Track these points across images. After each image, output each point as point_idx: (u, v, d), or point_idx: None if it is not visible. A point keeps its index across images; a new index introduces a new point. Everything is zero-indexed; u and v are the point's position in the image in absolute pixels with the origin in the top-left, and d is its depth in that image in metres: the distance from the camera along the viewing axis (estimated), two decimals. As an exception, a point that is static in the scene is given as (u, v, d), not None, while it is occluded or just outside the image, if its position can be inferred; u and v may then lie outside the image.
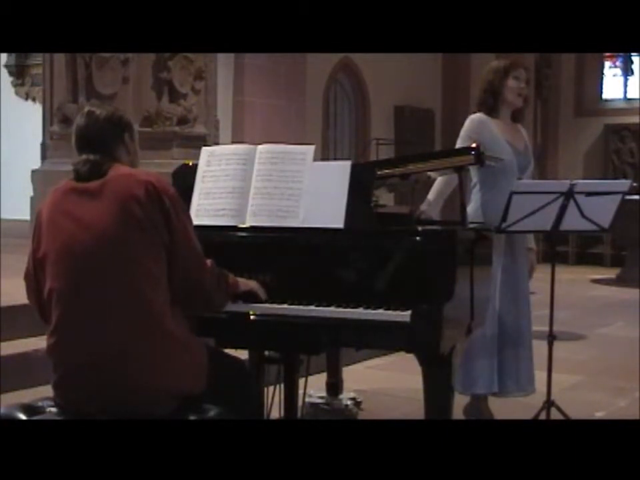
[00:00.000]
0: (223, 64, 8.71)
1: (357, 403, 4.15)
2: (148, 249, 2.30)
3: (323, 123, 11.50)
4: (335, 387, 4.04)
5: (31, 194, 7.59)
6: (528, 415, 3.65)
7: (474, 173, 3.85)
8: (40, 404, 2.40)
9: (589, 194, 3.44)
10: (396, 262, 2.60)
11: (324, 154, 11.01)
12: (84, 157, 2.38)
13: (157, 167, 5.55)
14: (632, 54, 13.28)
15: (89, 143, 2.40)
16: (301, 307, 2.59)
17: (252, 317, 2.60)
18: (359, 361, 5.17)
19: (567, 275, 9.04)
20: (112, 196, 2.30)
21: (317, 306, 2.58)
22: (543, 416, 3.60)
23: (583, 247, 12.40)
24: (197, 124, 7.33)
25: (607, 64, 13.68)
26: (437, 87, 13.41)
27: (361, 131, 12.27)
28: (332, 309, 2.56)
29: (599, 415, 4.29)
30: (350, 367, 4.81)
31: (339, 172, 2.75)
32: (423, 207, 3.73)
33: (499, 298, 3.80)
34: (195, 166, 2.92)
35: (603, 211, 3.52)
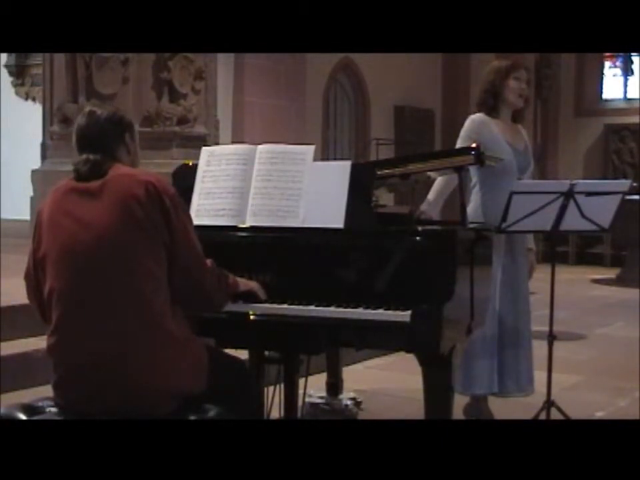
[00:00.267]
0: (223, 64, 8.71)
1: (357, 403, 4.15)
2: (148, 249, 2.29)
3: (322, 123, 11.49)
4: (334, 386, 4.04)
5: (31, 194, 7.58)
6: (528, 415, 3.64)
7: (474, 173, 3.85)
8: (40, 404, 2.40)
9: (589, 194, 3.44)
10: (396, 262, 2.59)
11: (324, 154, 11.00)
12: (84, 156, 2.38)
13: (156, 167, 5.56)
14: (632, 54, 13.27)
15: (89, 143, 2.40)
16: (301, 307, 2.58)
17: (252, 317, 2.60)
18: (359, 361, 5.16)
19: (566, 274, 9.03)
20: (112, 196, 2.30)
21: (316, 306, 2.57)
22: (543, 416, 3.60)
23: (582, 247, 12.40)
24: (196, 124, 7.33)
25: (607, 64, 13.67)
26: (437, 87, 13.40)
27: (360, 131, 12.25)
28: (332, 309, 2.55)
29: (599, 415, 4.28)
30: (350, 367, 4.81)
31: (339, 172, 2.75)
32: (423, 206, 3.73)
33: (498, 298, 3.79)
34: (195, 166, 2.92)
35: (602, 211, 3.52)
